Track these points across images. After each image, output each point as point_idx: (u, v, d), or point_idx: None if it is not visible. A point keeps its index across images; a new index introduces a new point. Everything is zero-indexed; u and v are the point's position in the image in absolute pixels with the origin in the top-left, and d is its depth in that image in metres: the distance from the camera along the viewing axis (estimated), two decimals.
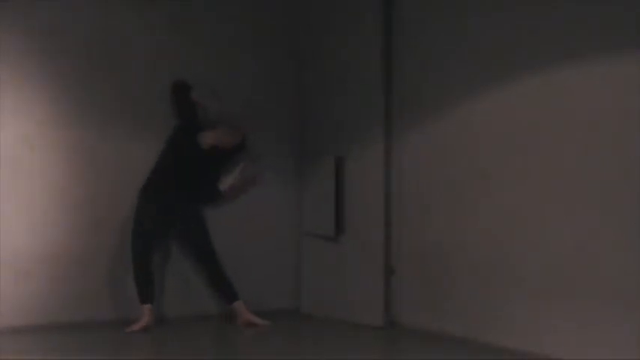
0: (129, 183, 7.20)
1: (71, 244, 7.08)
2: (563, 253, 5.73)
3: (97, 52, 7.21)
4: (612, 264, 5.43)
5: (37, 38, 6.99)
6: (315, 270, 7.67)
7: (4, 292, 6.83)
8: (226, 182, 7.41)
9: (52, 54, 7.04)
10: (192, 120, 7.28)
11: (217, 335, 7.05)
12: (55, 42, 7.05)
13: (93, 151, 7.16)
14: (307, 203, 7.73)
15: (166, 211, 7.14)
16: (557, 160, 5.79)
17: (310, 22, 7.79)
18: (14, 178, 6.90)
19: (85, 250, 7.12)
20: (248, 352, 6.61)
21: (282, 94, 7.90)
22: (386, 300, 7.04)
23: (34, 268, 6.95)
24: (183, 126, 7.25)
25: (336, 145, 7.41)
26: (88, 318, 7.07)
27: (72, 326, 6.94)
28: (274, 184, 7.84)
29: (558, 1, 5.79)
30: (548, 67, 5.84)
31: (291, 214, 7.88)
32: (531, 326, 5.93)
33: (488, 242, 6.26)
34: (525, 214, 6.01)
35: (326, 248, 7.53)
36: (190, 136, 7.20)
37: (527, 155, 6.00)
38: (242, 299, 7.26)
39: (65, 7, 7.09)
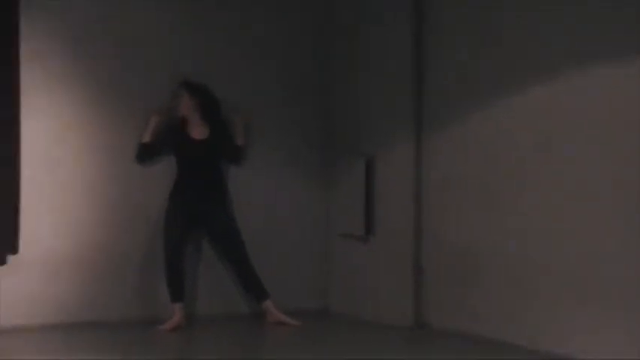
0: (159, 182, 7.25)
1: (102, 243, 7.13)
2: (594, 253, 5.69)
3: (125, 52, 7.25)
4: None
5: (69, 40, 7.06)
6: (345, 270, 7.67)
7: (35, 291, 6.90)
8: (239, 138, 7.41)
9: (83, 56, 7.10)
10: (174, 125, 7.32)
11: (247, 334, 7.07)
12: (86, 44, 7.11)
13: (123, 151, 7.21)
14: (337, 203, 7.74)
15: (195, 210, 7.17)
16: (586, 161, 5.75)
17: (339, 20, 7.79)
18: (46, 178, 6.96)
19: (116, 250, 7.17)
20: (277, 351, 6.62)
21: (311, 94, 7.90)
22: (415, 300, 7.03)
23: (65, 268, 7.01)
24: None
25: (367, 145, 7.42)
26: (119, 317, 7.11)
27: (103, 325, 6.98)
28: (304, 184, 7.86)
29: (588, 2, 5.76)
30: (579, 67, 5.80)
31: (321, 214, 7.89)
32: (562, 328, 5.89)
33: (518, 243, 6.23)
34: (556, 214, 5.97)
35: (356, 248, 7.54)
36: (175, 135, 7.26)
37: (557, 155, 5.96)
38: (272, 298, 7.29)
39: (95, 10, 7.15)
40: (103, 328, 6.93)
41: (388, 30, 7.24)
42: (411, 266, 7.05)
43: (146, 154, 7.22)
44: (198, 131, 7.25)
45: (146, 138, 7.20)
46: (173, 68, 7.35)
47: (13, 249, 6.76)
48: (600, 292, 5.63)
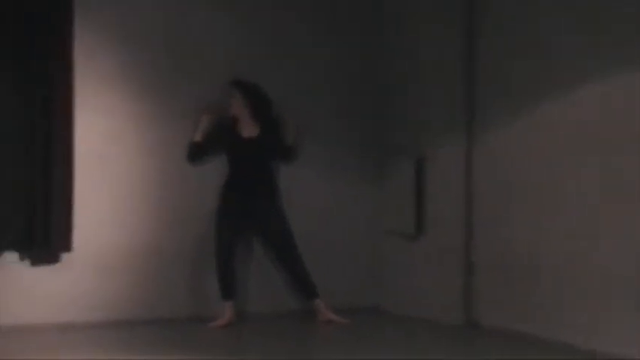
0: (210, 180, 7.29)
1: (154, 240, 7.20)
2: None
3: (179, 51, 7.31)
4: None
5: (122, 39, 7.12)
6: (396, 268, 7.68)
7: (88, 288, 6.98)
8: (290, 137, 7.41)
9: (135, 54, 7.17)
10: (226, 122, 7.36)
11: (297, 332, 7.09)
12: (138, 42, 7.17)
13: (175, 149, 7.26)
14: (388, 202, 7.74)
15: (246, 208, 7.21)
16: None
17: (390, 20, 7.78)
18: (99, 175, 7.04)
19: (168, 247, 7.23)
20: (326, 349, 6.64)
21: (362, 93, 7.89)
22: (466, 299, 7.02)
23: (117, 264, 7.08)
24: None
25: (417, 144, 7.42)
26: (170, 314, 7.17)
27: (154, 322, 7.05)
28: (356, 183, 7.86)
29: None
30: (633, 65, 5.74)
31: (371, 212, 7.89)
32: (614, 328, 5.84)
33: (570, 242, 6.18)
34: (608, 215, 5.91)
35: (406, 247, 7.54)
36: (226, 134, 7.30)
37: (608, 155, 5.90)
38: (322, 297, 7.30)
39: (147, 8, 7.20)
40: (153, 325, 6.99)
41: (440, 30, 7.22)
42: (462, 264, 7.03)
43: (197, 153, 7.27)
44: (248, 130, 7.28)
45: (197, 137, 7.24)
46: (226, 67, 7.38)
47: (67, 247, 6.84)
48: None
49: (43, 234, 6.76)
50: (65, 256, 6.91)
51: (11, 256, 6.81)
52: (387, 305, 7.75)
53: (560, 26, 6.26)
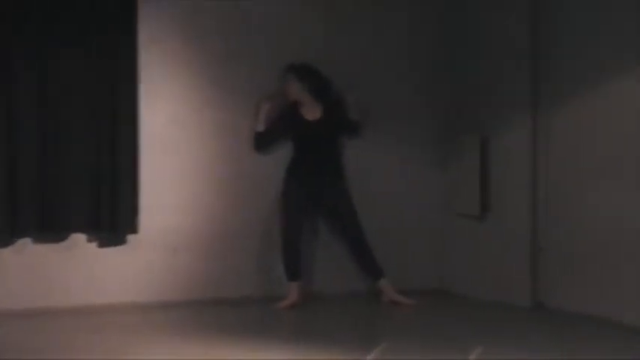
0: (275, 161, 7.31)
1: (218, 221, 7.25)
2: None
3: (240, 33, 7.32)
4: None
5: (181, 21, 7.17)
6: (461, 249, 7.63)
7: (154, 269, 7.06)
8: (353, 114, 7.36)
9: (196, 37, 7.21)
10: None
11: (362, 313, 7.10)
12: (198, 25, 7.20)
13: (238, 130, 7.29)
14: (452, 182, 7.68)
15: (312, 189, 7.22)
16: None
17: None
18: (165, 158, 7.11)
19: (232, 228, 7.27)
20: (391, 330, 6.62)
21: (425, 71, 7.83)
22: (532, 280, 6.94)
23: (183, 246, 7.14)
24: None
25: (482, 123, 7.35)
26: (236, 294, 7.22)
27: (219, 302, 7.10)
28: (419, 162, 7.80)
29: None
30: None
31: (437, 193, 7.83)
32: None
33: (638, 219, 6.07)
34: None
35: (472, 227, 7.48)
36: (289, 118, 7.28)
37: None
38: (388, 277, 7.28)
39: None
40: (219, 305, 7.05)
41: (505, 5, 7.14)
42: (528, 245, 6.96)
43: (263, 142, 7.27)
44: (312, 112, 7.27)
45: (260, 127, 7.25)
46: (293, 49, 7.38)
47: (133, 229, 6.94)
48: None
49: (110, 216, 6.87)
50: (131, 238, 7.01)
51: (79, 238, 6.93)
52: (452, 287, 7.71)
53: (628, 3, 6.14)
